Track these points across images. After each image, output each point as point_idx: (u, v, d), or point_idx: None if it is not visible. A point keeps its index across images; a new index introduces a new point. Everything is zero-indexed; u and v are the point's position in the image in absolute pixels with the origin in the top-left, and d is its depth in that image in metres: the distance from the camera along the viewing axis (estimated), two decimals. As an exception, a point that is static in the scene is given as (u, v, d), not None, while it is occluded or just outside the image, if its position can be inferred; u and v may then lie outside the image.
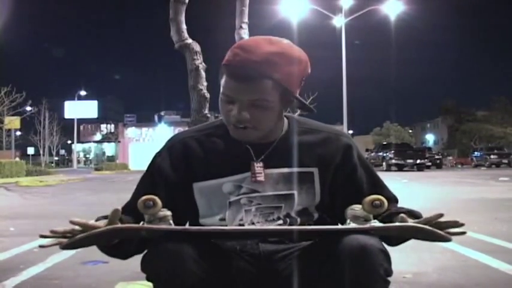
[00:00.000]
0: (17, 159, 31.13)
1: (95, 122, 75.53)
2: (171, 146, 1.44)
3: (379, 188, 1.42)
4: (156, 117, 70.53)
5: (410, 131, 74.67)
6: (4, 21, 23.24)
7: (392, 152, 29.29)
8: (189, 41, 3.23)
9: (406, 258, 3.41)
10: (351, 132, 54.30)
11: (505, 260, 3.46)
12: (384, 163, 29.17)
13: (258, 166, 1.37)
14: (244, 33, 3.38)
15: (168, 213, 1.23)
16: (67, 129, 61.04)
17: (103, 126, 75.93)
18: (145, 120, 67.38)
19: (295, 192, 1.38)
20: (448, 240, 1.19)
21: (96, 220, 1.26)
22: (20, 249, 4.20)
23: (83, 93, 64.57)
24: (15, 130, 38.28)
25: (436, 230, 1.17)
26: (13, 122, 30.67)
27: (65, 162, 77.97)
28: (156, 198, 1.20)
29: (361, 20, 27.26)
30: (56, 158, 67.54)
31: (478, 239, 4.37)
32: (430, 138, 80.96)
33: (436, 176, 20.91)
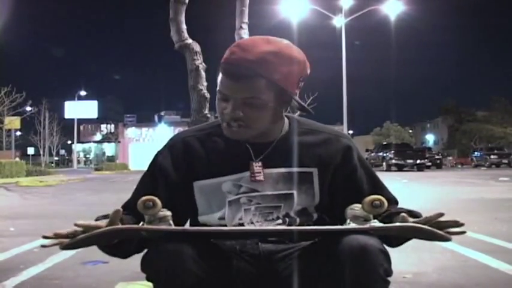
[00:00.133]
0: (17, 159, 31.12)
1: (95, 122, 75.55)
2: (172, 145, 1.45)
3: (379, 189, 1.42)
4: (156, 117, 70.50)
5: (410, 131, 74.63)
6: (4, 21, 23.25)
7: (392, 152, 29.29)
8: (189, 41, 3.23)
9: (406, 258, 3.41)
10: (350, 132, 54.37)
11: (505, 260, 3.46)
12: (384, 163, 29.17)
13: (257, 166, 1.37)
14: (244, 33, 3.38)
15: (168, 213, 1.24)
16: (67, 129, 61.03)
17: (103, 126, 75.95)
18: (145, 120, 67.35)
19: (295, 192, 1.38)
20: (447, 240, 1.19)
21: (96, 220, 1.26)
22: (20, 249, 4.20)
23: (83, 93, 64.63)
24: (15, 130, 38.27)
25: (436, 230, 1.17)
26: (13, 122, 30.66)
27: (65, 162, 77.96)
28: (156, 198, 1.20)
29: (361, 20, 27.27)
30: (56, 158, 67.53)
31: (478, 239, 4.37)
32: (430, 138, 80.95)
33: (436, 176, 20.91)
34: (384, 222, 1.24)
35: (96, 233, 1.16)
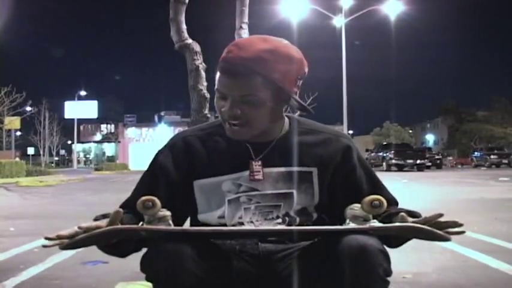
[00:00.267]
0: (17, 159, 31.13)
1: (95, 122, 75.53)
2: (173, 144, 1.46)
3: (379, 189, 1.42)
4: (156, 118, 70.50)
5: (410, 131, 74.61)
6: (4, 21, 23.25)
7: (392, 152, 29.29)
8: (189, 41, 3.23)
9: (406, 258, 3.41)
10: (350, 132, 54.34)
11: (505, 260, 3.46)
12: (384, 163, 29.18)
13: (257, 165, 1.38)
14: (244, 33, 3.38)
15: (168, 213, 1.24)
16: (67, 129, 61.05)
17: (103, 126, 75.93)
18: (145, 120, 67.34)
19: (294, 192, 1.38)
20: (447, 240, 1.19)
21: (95, 219, 1.27)
22: (20, 249, 4.20)
23: (83, 93, 64.62)
24: (15, 130, 38.29)
25: (436, 230, 1.17)
26: (13, 122, 30.68)
27: (65, 162, 77.96)
28: (155, 199, 1.20)
29: (361, 20, 27.27)
30: (56, 158, 67.55)
31: (478, 239, 4.37)
32: (430, 138, 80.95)
33: (436, 176, 20.91)
34: (384, 223, 1.25)
35: (96, 233, 1.16)
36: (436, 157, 36.92)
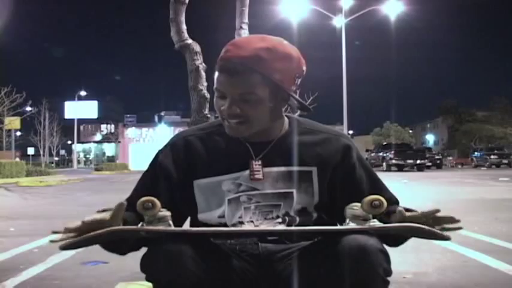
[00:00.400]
0: (17, 159, 31.17)
1: (95, 122, 75.65)
2: (173, 144, 1.46)
3: (379, 189, 1.42)
4: (156, 118, 70.59)
5: (410, 131, 74.51)
6: (4, 21, 23.24)
7: (393, 152, 29.30)
8: (189, 41, 3.23)
9: (406, 258, 3.41)
10: (350, 132, 54.34)
11: (505, 260, 3.46)
12: (384, 163, 29.18)
13: (257, 164, 1.38)
14: (244, 33, 3.38)
15: (168, 213, 1.24)
16: (67, 129, 61.09)
17: (103, 126, 76.03)
18: (145, 120, 67.42)
19: (294, 191, 1.39)
20: (447, 239, 1.19)
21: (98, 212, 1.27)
22: (20, 250, 4.20)
23: (83, 93, 64.70)
24: (16, 130, 38.32)
25: (435, 230, 1.17)
26: (13, 123, 30.67)
27: (65, 162, 77.97)
28: (155, 199, 1.20)
29: (361, 20, 27.27)
30: (56, 158, 67.53)
31: (478, 239, 4.37)
32: (430, 138, 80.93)
33: (436, 176, 20.91)
34: (383, 222, 1.24)
35: (95, 233, 1.16)
36: (436, 157, 36.95)
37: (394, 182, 13.95)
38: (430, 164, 32.48)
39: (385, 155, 29.98)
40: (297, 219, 1.39)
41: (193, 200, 1.42)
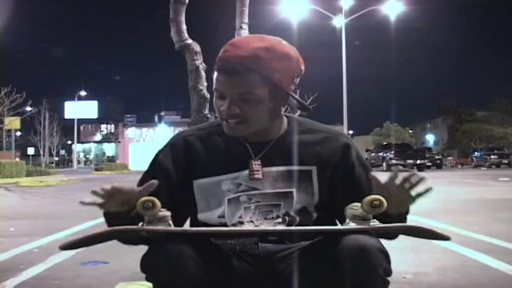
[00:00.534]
0: (17, 159, 31.16)
1: (95, 122, 75.66)
2: (173, 144, 1.46)
3: None
4: (156, 118, 70.60)
5: (410, 131, 74.49)
6: (4, 22, 23.23)
7: (393, 152, 29.31)
8: (189, 41, 3.23)
9: (406, 258, 3.41)
10: (350, 132, 54.29)
11: (505, 260, 3.46)
12: (384, 163, 29.17)
13: (256, 164, 1.38)
14: (244, 33, 3.38)
15: (168, 213, 1.24)
16: (67, 129, 61.09)
17: (103, 126, 76.06)
18: (145, 120, 67.43)
19: (294, 190, 1.39)
20: (447, 239, 1.19)
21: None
22: (20, 250, 4.20)
23: (83, 93, 64.69)
24: (16, 130, 38.32)
25: (435, 230, 1.18)
26: (13, 123, 30.67)
27: (65, 162, 77.98)
28: (155, 199, 1.20)
29: (361, 20, 27.28)
30: (56, 158, 67.55)
31: (478, 239, 4.37)
32: (430, 138, 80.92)
33: (436, 176, 20.90)
34: (382, 221, 1.24)
35: (95, 234, 1.16)
36: (436, 157, 36.92)
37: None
38: (430, 164, 32.45)
39: (385, 155, 29.98)
40: (297, 219, 1.39)
41: (193, 200, 1.42)
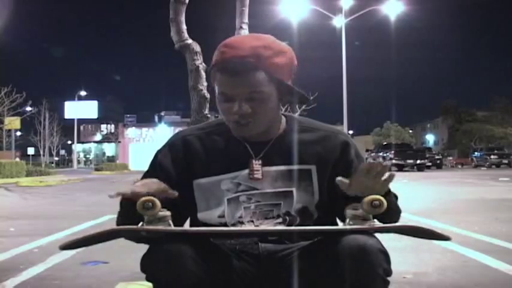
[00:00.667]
0: (17, 159, 31.15)
1: (95, 122, 75.64)
2: (172, 144, 1.46)
3: None
4: (156, 118, 70.62)
5: (410, 131, 74.51)
6: (4, 22, 23.23)
7: (393, 152, 29.33)
8: (189, 41, 3.23)
9: (406, 258, 3.41)
10: (351, 132, 54.27)
11: (505, 260, 3.46)
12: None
13: (257, 163, 1.38)
14: (244, 33, 3.37)
15: (168, 213, 1.24)
16: (67, 129, 61.05)
17: (103, 126, 76.04)
18: (145, 120, 67.44)
19: (294, 190, 1.39)
20: (447, 239, 1.19)
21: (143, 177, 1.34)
22: (20, 250, 4.20)
23: (83, 93, 64.64)
24: (16, 130, 38.31)
25: (435, 230, 1.18)
26: (13, 123, 30.66)
27: (65, 162, 77.93)
28: (155, 199, 1.20)
29: (361, 20, 27.29)
30: (56, 158, 67.50)
31: (478, 239, 4.37)
32: (430, 138, 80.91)
33: (436, 176, 20.91)
34: (382, 221, 1.24)
35: (95, 234, 1.16)
36: (436, 157, 36.95)
37: (394, 182, 13.81)
38: (430, 164, 32.49)
39: (385, 155, 29.99)
40: (298, 218, 1.39)
41: (193, 200, 1.42)
